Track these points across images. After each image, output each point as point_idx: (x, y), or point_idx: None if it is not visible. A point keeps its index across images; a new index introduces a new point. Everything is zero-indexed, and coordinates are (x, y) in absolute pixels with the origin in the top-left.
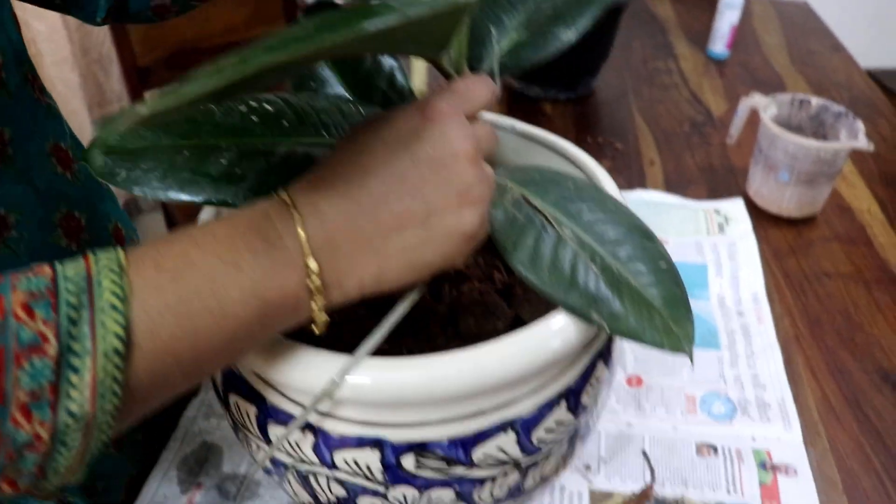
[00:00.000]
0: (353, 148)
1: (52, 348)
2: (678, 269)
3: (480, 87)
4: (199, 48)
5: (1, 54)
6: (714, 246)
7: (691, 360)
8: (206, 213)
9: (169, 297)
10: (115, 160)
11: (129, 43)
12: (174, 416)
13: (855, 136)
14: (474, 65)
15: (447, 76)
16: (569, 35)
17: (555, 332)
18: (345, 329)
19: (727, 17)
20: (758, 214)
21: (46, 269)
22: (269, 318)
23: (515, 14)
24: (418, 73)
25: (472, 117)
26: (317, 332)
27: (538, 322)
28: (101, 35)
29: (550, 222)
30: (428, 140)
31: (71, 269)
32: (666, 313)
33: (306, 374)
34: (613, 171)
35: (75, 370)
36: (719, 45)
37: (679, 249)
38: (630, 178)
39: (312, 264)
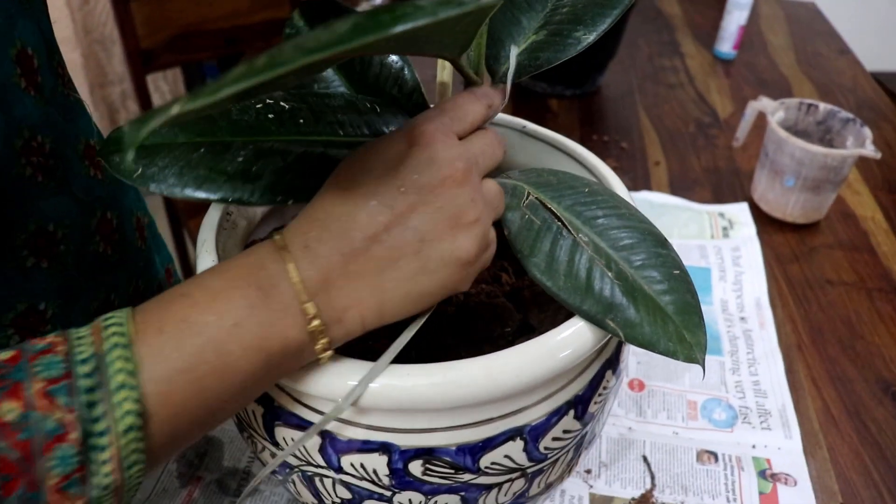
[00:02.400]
0: (342, 182)
1: (75, 433)
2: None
3: (472, 104)
4: (203, 31)
5: (36, 55)
6: (718, 250)
7: (703, 369)
8: (212, 215)
9: (175, 363)
10: (130, 156)
11: (132, 24)
12: None
13: (862, 144)
14: (492, 64)
15: (466, 76)
16: (588, 38)
17: (565, 341)
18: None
19: (735, 18)
20: (762, 219)
21: (60, 345)
22: (274, 366)
23: (534, 16)
24: (444, 65)
25: (466, 134)
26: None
27: (549, 332)
28: (104, 15)
29: (566, 227)
30: (414, 166)
31: (83, 347)
32: (679, 321)
33: (319, 379)
34: (619, 171)
35: (100, 448)
36: (726, 45)
37: (683, 252)
38: (635, 178)
39: (310, 308)
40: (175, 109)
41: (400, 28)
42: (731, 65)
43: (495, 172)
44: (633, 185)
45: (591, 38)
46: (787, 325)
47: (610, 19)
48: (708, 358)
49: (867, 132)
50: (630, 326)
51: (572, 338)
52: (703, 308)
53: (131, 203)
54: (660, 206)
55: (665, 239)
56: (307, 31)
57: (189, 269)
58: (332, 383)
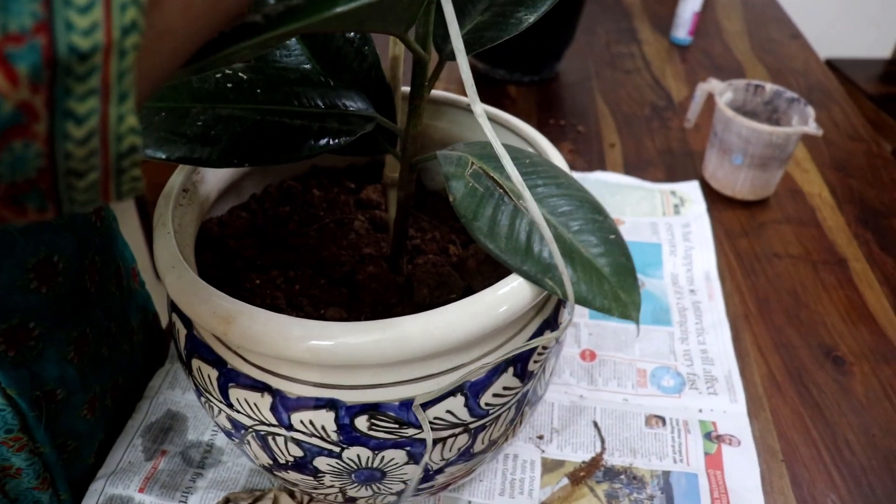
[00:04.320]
0: None
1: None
2: (632, 247)
3: None
4: None
5: None
6: (669, 226)
7: (637, 326)
8: (179, 175)
9: None
10: None
11: None
12: (140, 385)
13: (806, 122)
14: (439, 43)
15: (414, 52)
16: (529, 18)
17: (502, 297)
18: (304, 299)
19: (690, 5)
20: (713, 196)
21: None
22: None
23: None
24: (396, 40)
25: None
26: None
27: (486, 290)
28: None
29: (507, 194)
30: None
31: None
32: (615, 281)
33: (267, 339)
34: (575, 153)
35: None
36: (682, 31)
37: (635, 229)
38: (591, 160)
39: None
40: None
41: (340, 9)
42: (686, 50)
43: (444, 147)
44: (588, 166)
45: (531, 18)
46: (735, 297)
47: (550, 0)
48: (657, 328)
49: (810, 111)
50: (566, 286)
51: (509, 294)
52: (654, 282)
53: (117, 253)
54: (613, 186)
55: (601, 206)
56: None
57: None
58: (280, 341)
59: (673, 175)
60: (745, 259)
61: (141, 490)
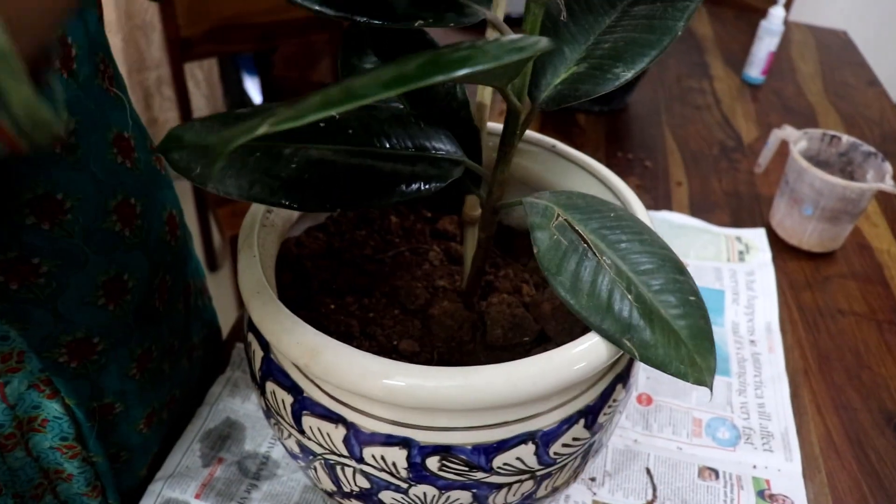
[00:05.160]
0: None
1: None
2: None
3: None
4: (241, 24)
5: (75, 46)
6: (733, 273)
7: (710, 392)
8: (253, 214)
9: None
10: (189, 155)
11: (173, 13)
12: (200, 393)
13: (882, 178)
14: (533, 91)
15: (510, 103)
16: (626, 75)
17: (581, 354)
18: (377, 329)
19: (766, 44)
20: (778, 245)
21: None
22: None
23: (576, 47)
24: (485, 88)
25: None
26: None
27: (566, 344)
28: (146, 2)
29: (591, 249)
30: None
31: None
32: (691, 345)
33: (348, 374)
34: (641, 189)
35: None
36: (755, 70)
37: (699, 273)
38: (657, 197)
39: None
40: (262, 130)
41: (465, 72)
42: (758, 90)
43: (528, 192)
44: (654, 205)
45: (629, 75)
46: (795, 351)
47: (648, 59)
48: (716, 378)
49: (888, 167)
50: (645, 347)
51: (588, 351)
52: (715, 329)
53: (165, 197)
54: (679, 227)
55: (683, 266)
56: (370, 63)
57: (212, 253)
58: (360, 379)
59: (739, 219)
60: (808, 313)
61: (197, 496)
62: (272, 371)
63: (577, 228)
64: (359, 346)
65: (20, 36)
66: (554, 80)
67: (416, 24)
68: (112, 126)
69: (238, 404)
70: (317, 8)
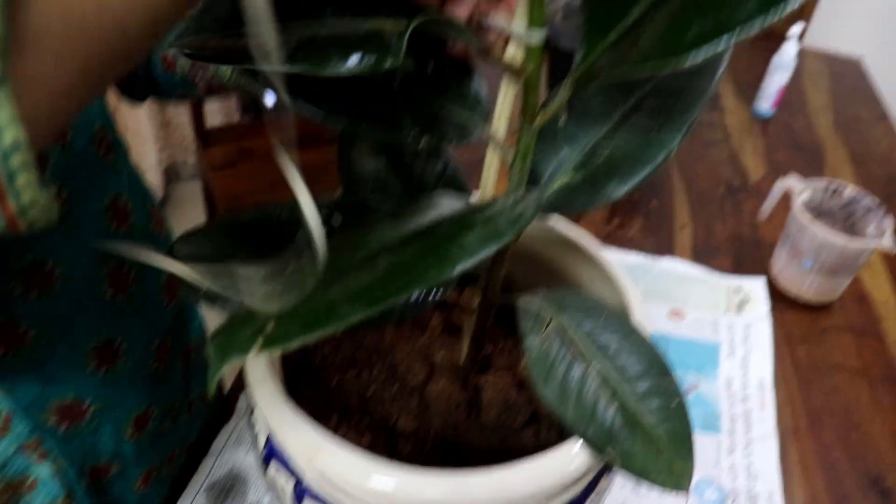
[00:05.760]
0: None
1: None
2: (690, 345)
3: None
4: None
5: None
6: (730, 326)
7: (686, 496)
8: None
9: None
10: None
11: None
12: (204, 444)
13: (882, 233)
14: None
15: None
16: (619, 191)
17: (571, 458)
18: (377, 405)
19: (777, 79)
20: (777, 294)
21: None
22: None
23: (576, 148)
24: (487, 184)
25: None
26: None
27: (559, 447)
28: None
29: (581, 355)
30: None
31: None
32: (670, 451)
33: (347, 477)
34: (645, 231)
35: None
36: (766, 103)
37: (696, 325)
38: (660, 240)
39: None
40: (254, 352)
41: (475, 259)
42: (768, 123)
43: (528, 265)
44: (657, 247)
45: (622, 192)
46: (787, 408)
47: (642, 175)
48: (707, 436)
49: (888, 223)
50: (627, 457)
51: (578, 454)
52: (708, 384)
53: (191, 331)
54: (680, 276)
55: (668, 368)
56: (370, 161)
57: None
58: (356, 480)
59: (740, 265)
60: (803, 368)
61: None
62: (275, 453)
63: (567, 333)
64: (358, 424)
65: (35, 127)
66: (551, 185)
67: (418, 143)
68: (108, 192)
69: (242, 456)
70: (321, 119)
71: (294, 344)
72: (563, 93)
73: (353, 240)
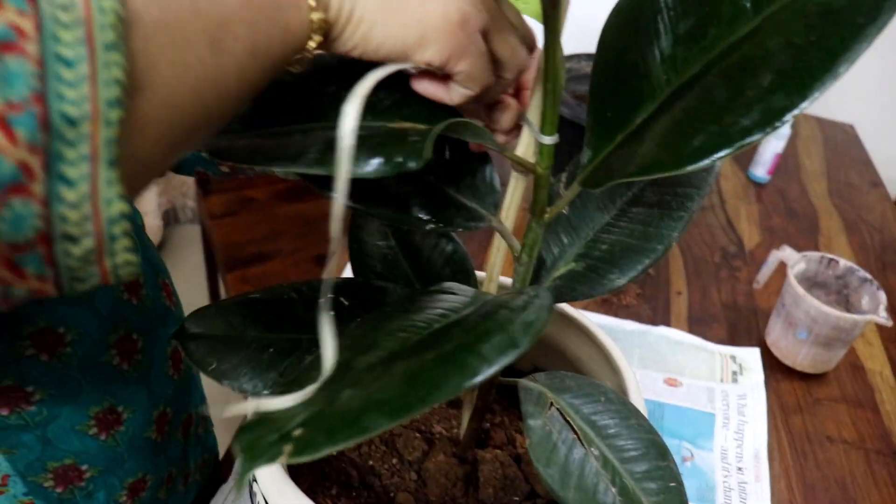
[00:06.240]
0: None
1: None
2: (686, 415)
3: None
4: None
5: None
6: (725, 395)
7: None
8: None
9: None
10: (205, 347)
11: None
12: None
13: (876, 307)
14: (533, 280)
15: None
16: (619, 282)
17: None
18: (376, 479)
19: (772, 145)
20: (772, 362)
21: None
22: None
23: (576, 240)
24: (497, 259)
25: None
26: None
27: None
28: None
29: (581, 439)
30: None
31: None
32: None
33: None
34: (641, 298)
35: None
36: (761, 169)
37: (691, 394)
38: (656, 307)
39: None
40: (281, 460)
41: (479, 380)
42: (763, 189)
43: (520, 363)
44: (653, 314)
45: (622, 282)
46: (781, 481)
47: (643, 267)
48: None
49: (882, 296)
50: None
51: None
52: (703, 455)
53: (192, 402)
54: (675, 343)
55: (667, 450)
56: (381, 241)
57: None
58: None
59: (735, 334)
60: (797, 439)
61: None
62: None
63: (567, 417)
64: (357, 497)
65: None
66: (553, 273)
67: (428, 228)
68: None
69: None
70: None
71: (321, 454)
72: (570, 193)
73: (365, 335)
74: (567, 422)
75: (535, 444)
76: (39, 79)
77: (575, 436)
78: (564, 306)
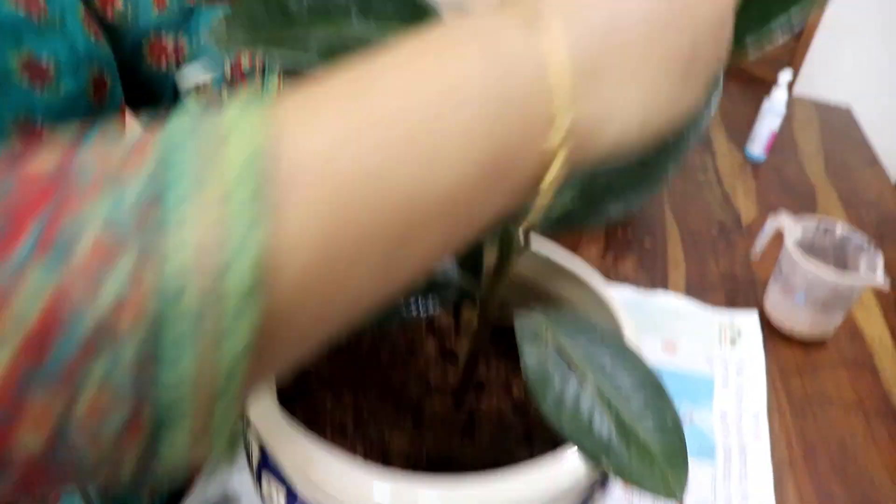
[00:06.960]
0: None
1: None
2: (684, 377)
3: None
4: None
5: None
6: (724, 360)
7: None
8: None
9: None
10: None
11: None
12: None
13: (874, 271)
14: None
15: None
16: (616, 209)
17: (566, 468)
18: (371, 425)
19: (768, 123)
20: (770, 329)
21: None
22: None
23: (575, 183)
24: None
25: None
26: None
27: (550, 459)
28: None
29: (577, 370)
30: None
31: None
32: (665, 464)
33: (341, 488)
34: (640, 268)
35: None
36: (757, 148)
37: (690, 358)
38: (654, 277)
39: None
40: None
41: None
42: (759, 167)
43: (523, 291)
44: (651, 283)
45: (620, 210)
46: (781, 441)
47: (639, 195)
48: (701, 466)
49: (879, 261)
50: (621, 467)
51: (572, 465)
52: (703, 415)
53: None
54: (673, 310)
55: (663, 387)
56: None
57: None
58: (351, 490)
59: (733, 302)
60: (797, 401)
61: None
62: (268, 465)
63: (564, 348)
64: (353, 444)
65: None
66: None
67: None
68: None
69: (234, 476)
70: None
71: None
72: None
73: None
74: (563, 354)
75: (530, 374)
76: None
77: (571, 365)
78: (560, 258)
